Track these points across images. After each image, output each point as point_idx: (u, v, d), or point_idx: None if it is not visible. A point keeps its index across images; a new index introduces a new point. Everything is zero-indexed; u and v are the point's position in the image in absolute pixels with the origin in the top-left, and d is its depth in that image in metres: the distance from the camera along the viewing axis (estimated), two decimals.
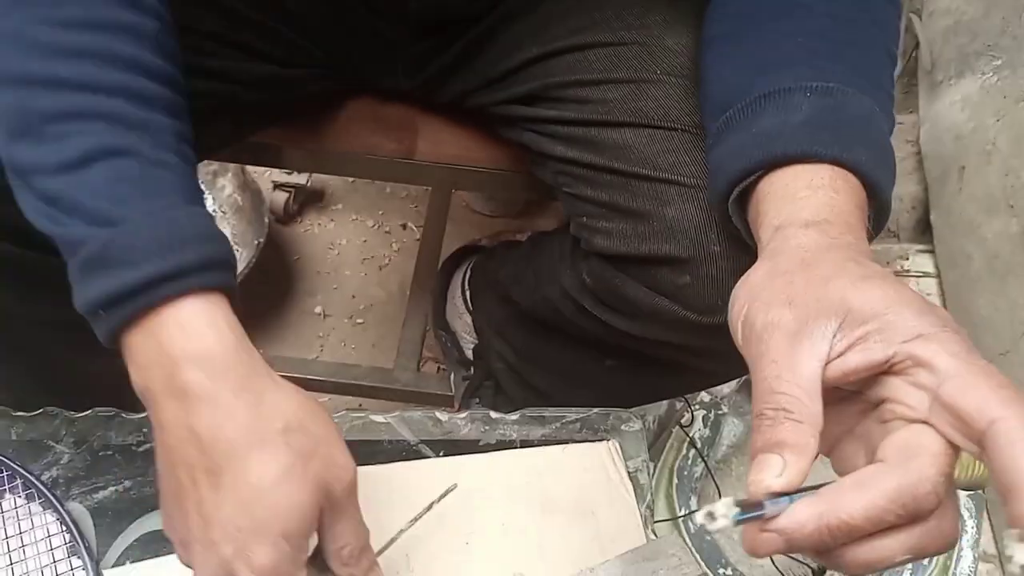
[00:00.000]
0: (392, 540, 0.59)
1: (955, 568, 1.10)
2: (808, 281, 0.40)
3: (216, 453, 0.45)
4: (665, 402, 1.24)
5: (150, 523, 0.62)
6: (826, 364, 0.38)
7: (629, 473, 0.68)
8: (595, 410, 0.72)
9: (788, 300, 0.40)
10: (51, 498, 0.61)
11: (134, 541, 0.61)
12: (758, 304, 0.41)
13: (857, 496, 0.35)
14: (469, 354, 1.07)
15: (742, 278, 0.44)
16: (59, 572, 0.59)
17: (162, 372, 0.46)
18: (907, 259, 1.49)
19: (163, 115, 0.50)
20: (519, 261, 0.87)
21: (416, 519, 0.60)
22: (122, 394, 0.67)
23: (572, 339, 0.79)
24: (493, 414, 0.71)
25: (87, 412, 0.67)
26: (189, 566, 0.48)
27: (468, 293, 1.07)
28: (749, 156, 0.48)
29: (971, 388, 0.34)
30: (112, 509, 0.63)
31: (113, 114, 0.47)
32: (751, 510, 0.37)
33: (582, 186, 0.66)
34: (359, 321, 1.43)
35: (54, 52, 0.47)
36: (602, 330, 0.70)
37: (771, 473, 0.37)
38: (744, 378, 1.29)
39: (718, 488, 1.20)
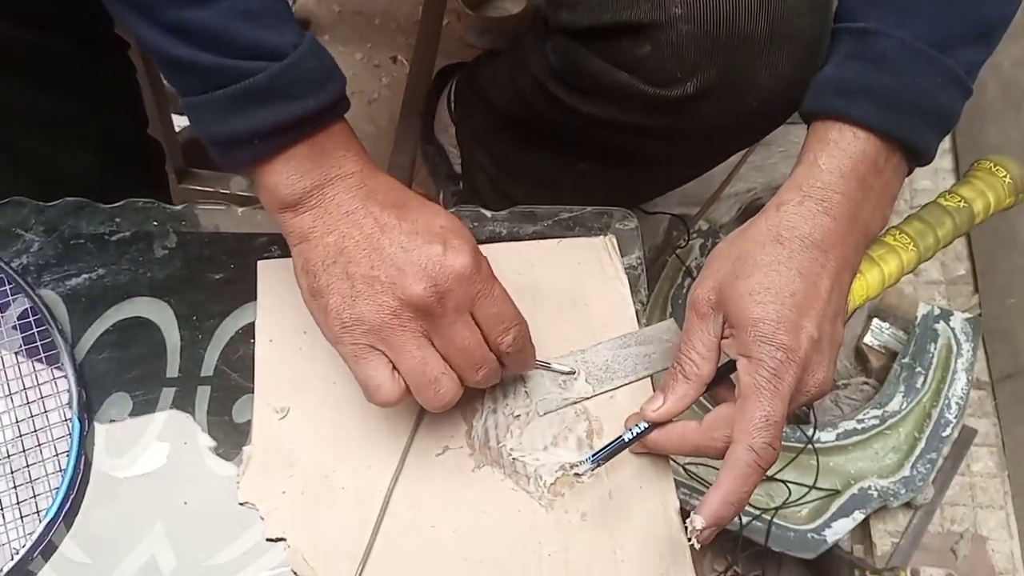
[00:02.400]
0: None
1: (948, 391, 1.10)
2: (735, 274, 0.51)
3: (403, 199, 0.51)
4: (661, 229, 1.22)
5: (127, 309, 0.60)
6: (720, 339, 0.52)
7: (624, 268, 0.66)
8: (589, 208, 0.69)
9: (715, 284, 0.52)
10: (22, 283, 0.59)
11: (110, 327, 0.59)
12: (703, 274, 0.54)
13: (675, 438, 0.54)
14: (457, 168, 1.04)
15: (724, 239, 0.55)
16: (31, 357, 0.57)
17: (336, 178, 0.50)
18: None
19: None
20: (499, 62, 0.85)
21: None
22: (96, 192, 0.64)
23: (547, 142, 0.80)
24: (484, 211, 0.68)
25: (57, 201, 0.64)
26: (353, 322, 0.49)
27: (453, 105, 1.03)
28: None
29: (739, 412, 0.49)
30: (86, 296, 0.60)
31: None
32: (610, 445, 0.53)
33: None
34: None
35: None
36: (571, 120, 0.71)
37: (651, 407, 0.53)
38: (742, 206, 1.27)
39: None
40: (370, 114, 1.43)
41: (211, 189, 1.05)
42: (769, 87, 0.61)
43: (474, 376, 0.50)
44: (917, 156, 0.53)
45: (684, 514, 0.54)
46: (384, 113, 1.42)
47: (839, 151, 0.51)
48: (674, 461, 0.59)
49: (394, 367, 0.49)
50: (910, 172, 0.54)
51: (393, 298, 0.47)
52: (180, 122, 1.25)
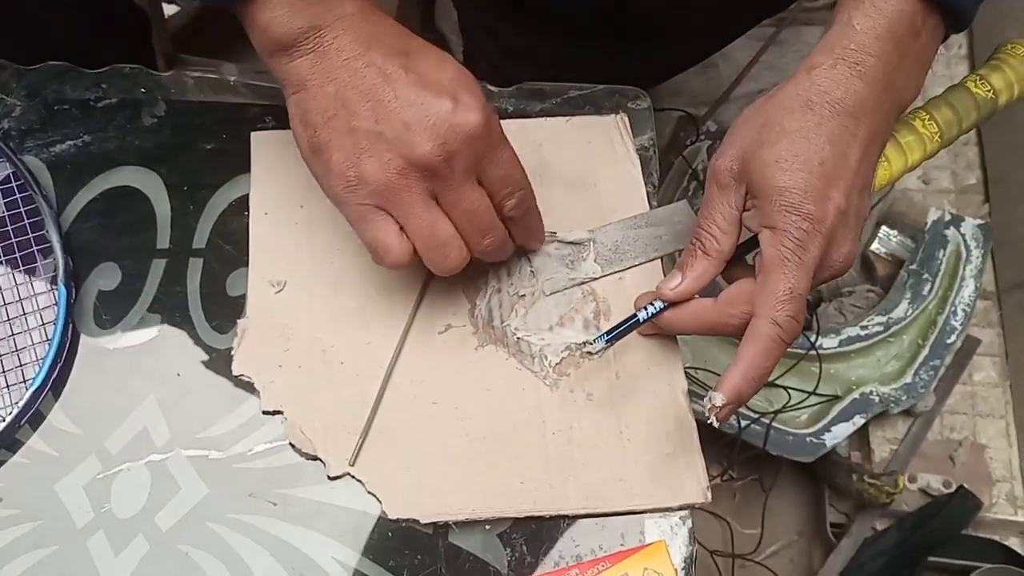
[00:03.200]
0: None
1: (955, 298, 1.08)
2: (761, 142, 0.48)
3: (408, 45, 0.47)
4: (668, 130, 1.18)
5: (115, 178, 0.57)
6: (742, 212, 0.50)
7: (636, 149, 0.63)
8: (600, 86, 0.65)
9: (738, 153, 0.49)
10: (3, 148, 0.56)
11: (98, 195, 0.57)
12: (725, 143, 0.51)
13: (689, 316, 0.52)
14: (459, 57, 1.00)
15: (750, 106, 0.51)
16: (14, 224, 0.54)
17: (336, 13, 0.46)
18: None
19: None
20: None
21: None
22: (82, 55, 0.61)
23: (556, 22, 0.76)
24: (490, 87, 0.64)
25: (39, 65, 0.60)
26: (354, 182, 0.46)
27: None
28: None
29: (761, 286, 0.47)
30: (71, 163, 0.57)
31: None
32: (624, 325, 0.52)
33: None
34: None
35: None
36: None
37: (668, 285, 0.51)
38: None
39: None
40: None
41: (198, 74, 1.01)
42: None
43: (481, 243, 0.48)
44: (955, 18, 0.49)
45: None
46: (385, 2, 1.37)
47: (875, 10, 0.48)
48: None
49: (401, 228, 0.46)
50: (945, 38, 0.51)
51: (399, 157, 0.44)
52: (169, 10, 1.20)
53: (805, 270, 0.46)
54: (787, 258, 0.46)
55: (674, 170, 1.17)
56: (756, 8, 0.70)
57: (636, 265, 0.58)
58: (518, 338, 0.54)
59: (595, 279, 0.57)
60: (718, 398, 0.46)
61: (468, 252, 0.48)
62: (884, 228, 1.17)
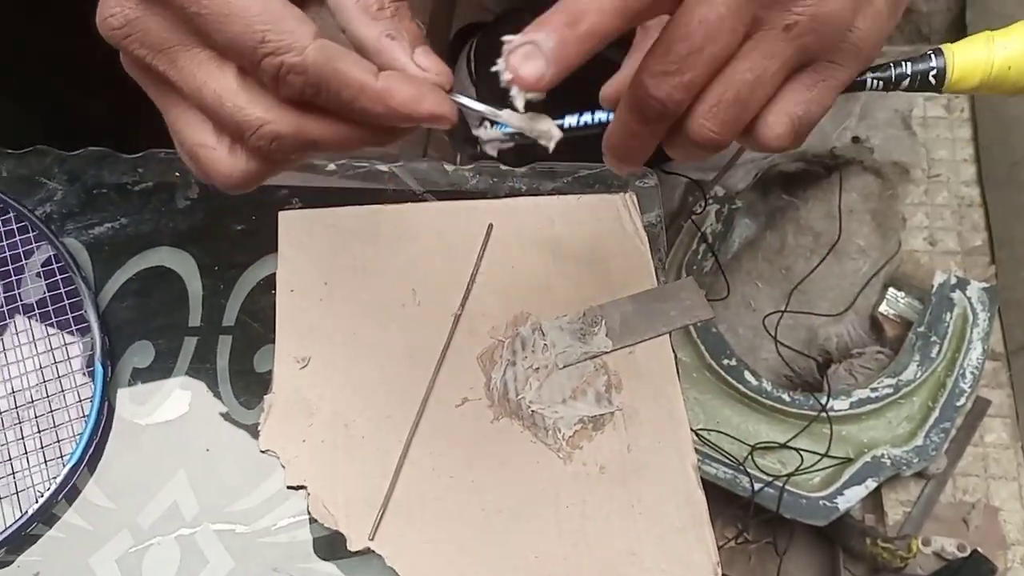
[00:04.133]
0: (467, 294, 0.60)
1: (963, 360, 1.09)
2: None
3: None
4: (677, 194, 1.21)
5: (150, 259, 0.60)
6: None
7: (644, 226, 0.65)
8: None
9: None
10: (45, 231, 0.59)
11: (133, 276, 0.60)
12: None
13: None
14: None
15: None
16: (54, 304, 0.57)
17: None
18: None
19: None
20: (523, 18, 0.83)
21: (477, 268, 0.61)
22: (119, 137, 0.64)
23: (571, 96, 0.77)
24: (503, 167, 0.67)
25: (80, 151, 0.64)
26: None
27: (473, 64, 1.03)
28: None
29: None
30: (109, 245, 0.61)
31: None
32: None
33: None
34: None
35: None
36: (602, 70, 0.68)
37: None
38: (758, 173, 1.26)
39: (727, 284, 1.19)
40: (420, 35, 1.43)
41: None
42: None
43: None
44: None
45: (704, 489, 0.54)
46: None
47: None
48: (693, 432, 0.59)
49: None
50: None
51: None
52: None
53: (727, 1, 0.31)
54: None
55: (683, 234, 1.20)
56: None
57: (646, 340, 0.60)
58: (532, 411, 0.56)
59: (606, 353, 0.59)
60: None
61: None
62: (891, 290, 1.19)
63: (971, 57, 0.37)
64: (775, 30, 0.32)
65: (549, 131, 0.36)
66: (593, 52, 0.32)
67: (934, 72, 0.37)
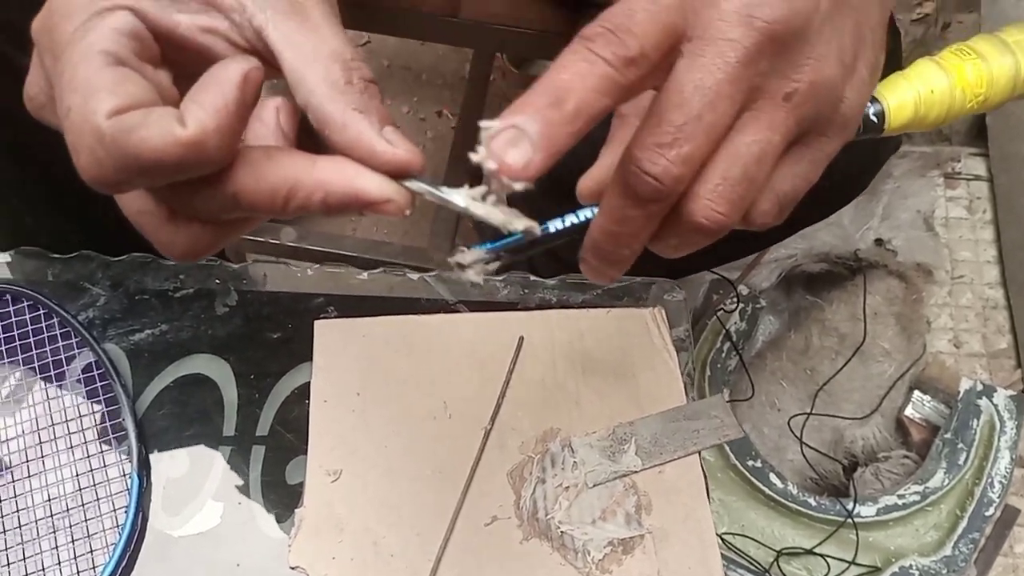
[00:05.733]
0: (497, 408, 0.61)
1: (991, 468, 1.08)
2: None
3: None
4: (701, 292, 1.22)
5: (188, 366, 0.61)
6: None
7: (672, 341, 0.66)
8: (638, 279, 0.69)
9: None
10: (87, 337, 0.60)
11: (171, 382, 0.61)
12: None
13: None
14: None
15: None
16: (93, 410, 0.58)
17: None
18: (959, 161, 1.43)
19: None
20: None
21: (507, 382, 0.62)
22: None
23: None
24: (532, 278, 0.69)
25: (123, 256, 0.66)
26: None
27: None
28: None
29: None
30: (148, 351, 0.62)
31: None
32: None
33: None
34: None
35: None
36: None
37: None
38: (782, 272, 1.27)
39: (752, 383, 1.19)
40: (390, 117, 1.46)
41: (261, 239, 1.08)
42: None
43: None
44: None
45: None
46: (428, 166, 1.45)
47: None
48: (718, 537, 0.58)
49: None
50: None
51: None
52: None
53: (725, 64, 0.29)
54: (701, 52, 0.29)
55: (707, 331, 1.21)
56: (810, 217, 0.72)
57: (675, 459, 0.60)
58: (562, 532, 0.56)
59: (636, 472, 0.59)
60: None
61: None
62: (917, 393, 1.18)
63: (899, 92, 0.39)
64: (774, 99, 0.30)
65: (530, 229, 0.31)
66: (582, 134, 0.29)
67: (874, 112, 0.38)
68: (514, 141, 0.28)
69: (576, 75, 0.29)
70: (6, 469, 0.56)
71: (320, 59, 0.31)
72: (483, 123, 0.28)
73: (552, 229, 0.35)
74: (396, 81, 1.54)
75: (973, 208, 1.41)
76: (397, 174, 0.31)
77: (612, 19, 0.29)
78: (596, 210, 0.34)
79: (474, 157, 0.28)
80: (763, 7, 0.29)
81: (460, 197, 0.30)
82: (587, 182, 0.38)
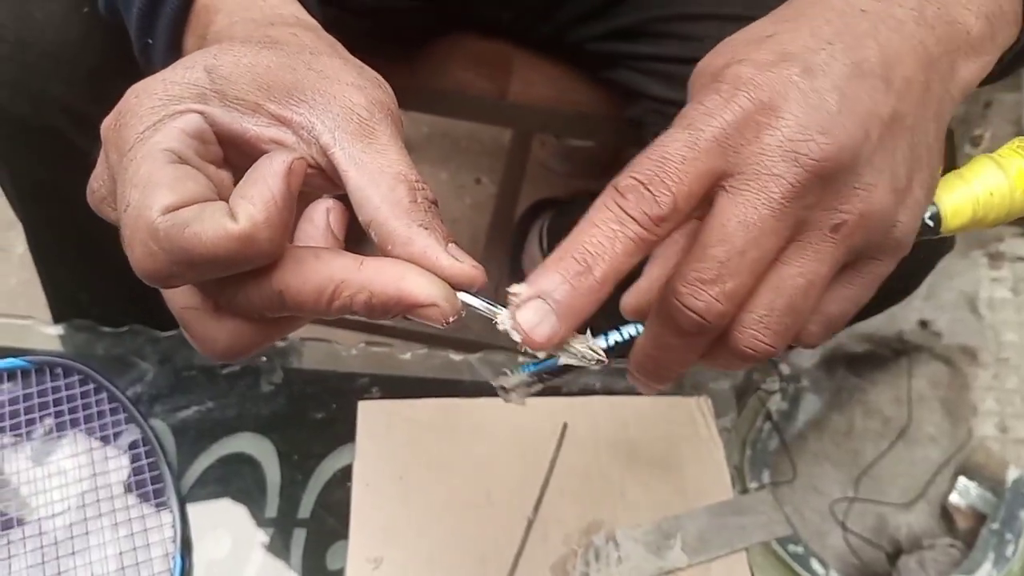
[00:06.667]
0: (541, 497, 0.60)
1: None
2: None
3: None
4: (743, 371, 1.21)
5: (232, 444, 0.62)
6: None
7: (718, 431, 0.65)
8: None
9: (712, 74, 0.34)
10: (135, 413, 0.61)
11: (215, 461, 0.61)
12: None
13: None
14: None
15: None
16: (139, 488, 0.59)
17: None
18: (1002, 241, 1.42)
19: None
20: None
21: (551, 471, 0.61)
22: None
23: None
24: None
25: (172, 332, 0.66)
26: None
27: (546, 242, 1.05)
28: None
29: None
30: (194, 429, 0.62)
31: None
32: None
33: None
34: None
35: None
36: None
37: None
38: (825, 352, 1.25)
39: (793, 465, 1.17)
40: (452, 234, 1.47)
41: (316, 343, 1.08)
42: None
43: None
44: None
45: None
46: (465, 233, 1.46)
47: None
48: None
49: None
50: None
51: None
52: None
53: (769, 199, 0.29)
54: (745, 187, 0.29)
55: (747, 410, 1.19)
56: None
57: (722, 556, 0.59)
58: None
59: (682, 569, 0.58)
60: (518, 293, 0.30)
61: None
62: (962, 479, 1.15)
63: (956, 194, 0.37)
64: (822, 231, 0.30)
65: (589, 353, 0.31)
66: (608, 296, 0.29)
67: (930, 215, 0.36)
68: (539, 311, 0.29)
69: (606, 239, 0.29)
70: (52, 545, 0.56)
71: (386, 179, 0.31)
72: (511, 288, 0.29)
73: (611, 344, 0.34)
74: (435, 148, 1.56)
75: (1017, 289, 1.39)
76: (459, 289, 0.31)
77: (645, 170, 0.29)
78: (640, 328, 0.34)
79: (500, 325, 0.30)
80: (809, 144, 0.29)
81: (506, 318, 0.30)
82: (631, 299, 0.37)
